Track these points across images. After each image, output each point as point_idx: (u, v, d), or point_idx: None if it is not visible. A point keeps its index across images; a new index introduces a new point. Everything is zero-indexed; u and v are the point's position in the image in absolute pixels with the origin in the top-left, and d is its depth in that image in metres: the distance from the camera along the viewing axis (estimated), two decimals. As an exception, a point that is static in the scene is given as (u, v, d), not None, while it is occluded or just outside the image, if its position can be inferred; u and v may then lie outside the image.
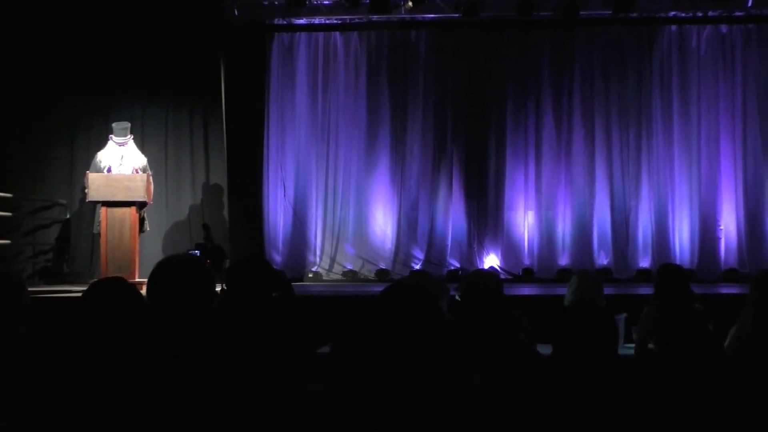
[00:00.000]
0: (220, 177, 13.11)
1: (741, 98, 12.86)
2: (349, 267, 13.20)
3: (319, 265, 13.23)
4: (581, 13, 12.33)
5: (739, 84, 12.88)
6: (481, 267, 12.34)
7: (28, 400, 3.41)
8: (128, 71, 12.86)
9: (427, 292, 2.70)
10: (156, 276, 3.16)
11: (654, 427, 3.61)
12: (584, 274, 5.96)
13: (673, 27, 13.06)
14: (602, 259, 12.90)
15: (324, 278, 13.11)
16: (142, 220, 11.09)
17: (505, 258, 13.01)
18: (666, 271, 5.91)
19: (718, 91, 12.93)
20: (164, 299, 3.11)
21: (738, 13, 12.77)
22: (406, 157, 13.24)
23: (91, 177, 10.72)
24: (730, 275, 12.50)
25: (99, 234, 10.85)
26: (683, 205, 12.89)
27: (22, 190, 12.61)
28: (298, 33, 13.48)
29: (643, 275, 12.30)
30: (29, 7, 12.48)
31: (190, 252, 11.20)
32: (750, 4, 12.43)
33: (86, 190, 10.77)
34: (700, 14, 12.82)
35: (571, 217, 13.00)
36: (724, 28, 12.99)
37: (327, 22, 13.31)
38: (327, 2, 12.75)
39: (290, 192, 13.33)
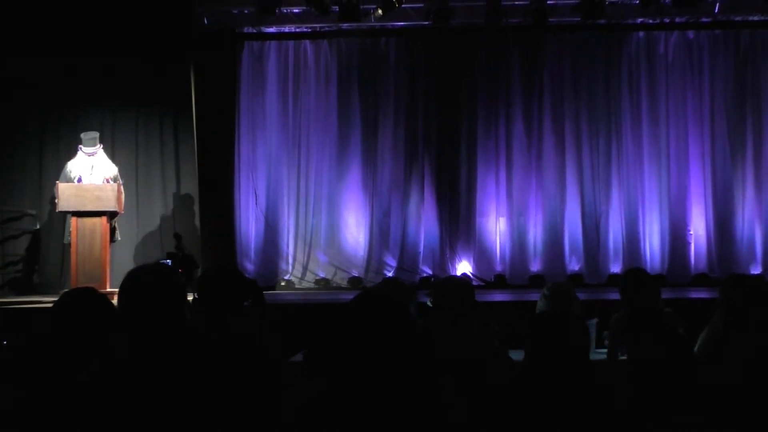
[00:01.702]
0: (191, 186, 13.06)
1: (709, 103, 12.98)
2: (322, 275, 13.19)
3: (291, 274, 13.21)
4: (550, 19, 12.42)
5: (706, 89, 13.01)
6: (453, 273, 12.37)
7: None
8: (97, 80, 12.80)
9: (397, 298, 2.70)
10: (127, 286, 3.15)
11: (626, 432, 3.63)
12: (556, 287, 5.92)
13: (641, 33, 13.17)
14: (574, 265, 12.96)
15: (296, 286, 13.09)
16: (112, 230, 11.04)
17: (477, 264, 13.04)
18: (631, 276, 5.91)
19: (686, 96, 13.05)
20: (136, 309, 3.10)
21: (705, 19, 12.90)
22: (378, 164, 13.26)
23: (61, 187, 10.66)
24: (700, 280, 12.59)
25: (69, 244, 10.79)
26: (653, 209, 12.97)
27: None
28: (268, 41, 13.49)
29: (615, 280, 12.28)
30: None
31: (162, 261, 11.14)
32: (716, 10, 12.55)
33: (56, 200, 10.72)
34: (667, 20, 12.94)
35: (543, 223, 13.05)
36: (691, 34, 13.12)
37: (297, 30, 13.32)
38: (297, 11, 12.74)
39: (262, 200, 13.31)
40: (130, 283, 3.15)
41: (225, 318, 4.07)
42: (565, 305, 5.58)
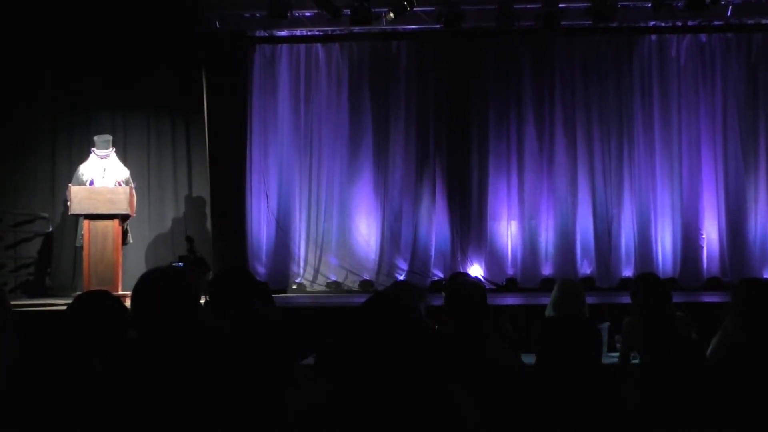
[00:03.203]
0: (203, 189, 13.08)
1: (721, 107, 12.93)
2: (333, 278, 13.19)
3: (302, 277, 13.21)
4: (562, 23, 12.40)
5: (719, 93, 12.96)
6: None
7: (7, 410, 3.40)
8: (109, 83, 12.84)
9: (408, 301, 2.71)
10: (141, 289, 3.16)
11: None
12: (565, 284, 5.95)
13: (653, 36, 13.14)
14: (585, 268, 12.92)
15: (308, 289, 13.09)
16: (124, 233, 11.07)
17: (488, 268, 13.01)
18: (642, 280, 5.91)
19: (698, 99, 13.01)
20: (149, 312, 3.11)
21: (717, 23, 12.85)
22: (389, 167, 13.25)
23: (74, 190, 10.69)
24: (713, 283, 12.55)
25: (82, 247, 10.82)
26: (665, 213, 12.93)
27: (3, 204, 12.57)
28: (279, 45, 13.50)
29: (626, 284, 12.26)
30: (8, 18, 12.42)
31: (174, 264, 11.16)
32: (729, 13, 12.51)
33: (69, 203, 10.75)
34: (679, 23, 12.90)
35: (554, 227, 13.02)
36: (703, 37, 13.07)
37: (308, 33, 13.33)
38: (308, 14, 12.76)
39: (273, 203, 13.31)
40: (144, 286, 3.16)
41: (234, 319, 4.09)
42: (575, 307, 5.59)
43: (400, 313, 2.56)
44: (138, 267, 11.68)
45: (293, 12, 12.50)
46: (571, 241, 12.95)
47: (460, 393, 2.62)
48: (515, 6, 12.25)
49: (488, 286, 12.34)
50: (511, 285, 12.87)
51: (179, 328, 3.10)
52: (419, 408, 2.45)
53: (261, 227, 13.31)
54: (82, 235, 10.80)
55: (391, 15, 12.22)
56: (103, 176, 11.23)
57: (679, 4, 12.06)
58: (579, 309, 5.63)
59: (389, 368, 2.47)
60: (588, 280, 12.58)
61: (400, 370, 2.47)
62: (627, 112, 13.08)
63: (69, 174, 11.76)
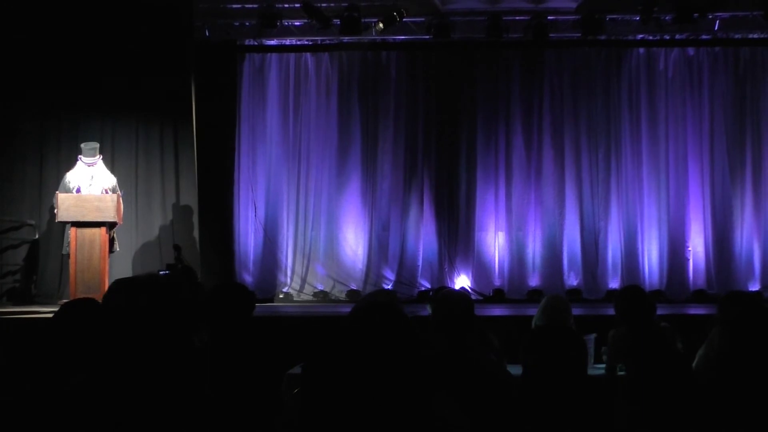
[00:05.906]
0: (190, 197, 13.03)
1: (708, 120, 13.02)
2: (320, 287, 13.17)
3: (290, 286, 13.20)
4: (551, 35, 12.46)
5: (706, 106, 13.05)
6: (451, 286, 12.35)
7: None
8: (98, 90, 12.78)
9: (399, 310, 2.71)
10: (114, 296, 3.14)
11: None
12: (553, 299, 5.96)
13: (641, 49, 13.22)
14: (572, 280, 12.95)
15: (295, 299, 13.08)
16: (111, 241, 11.02)
17: (475, 278, 13.03)
18: (626, 293, 5.93)
19: (685, 112, 13.09)
20: (131, 319, 3.09)
21: (705, 37, 12.95)
22: (377, 177, 13.27)
23: (61, 197, 10.65)
24: (699, 296, 12.60)
25: (68, 255, 10.77)
26: (652, 225, 12.99)
27: (-11, 210, 12.54)
28: (269, 54, 13.52)
29: (613, 296, 12.28)
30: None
31: (161, 272, 11.12)
32: (716, 27, 12.59)
33: (55, 211, 10.70)
34: (667, 37, 12.98)
35: (542, 238, 13.06)
36: (691, 50, 13.17)
37: (298, 43, 13.36)
38: (298, 23, 12.78)
39: (261, 212, 13.31)
40: (116, 291, 3.14)
41: (226, 331, 4.09)
42: (561, 320, 5.61)
43: (391, 322, 2.57)
44: (125, 275, 11.56)
45: (283, 21, 12.54)
46: (558, 253, 12.99)
47: (449, 403, 2.62)
48: (504, 18, 12.32)
49: (475, 297, 12.34)
50: (498, 296, 12.89)
51: (167, 335, 3.09)
52: (408, 417, 2.45)
53: (249, 236, 13.31)
54: (68, 243, 10.76)
55: (381, 25, 12.26)
56: (90, 184, 11.18)
57: (667, 18, 12.14)
58: (566, 320, 5.65)
59: (379, 377, 2.47)
60: (575, 292, 12.63)
61: (389, 379, 2.47)
62: (615, 124, 13.16)
63: (56, 181, 11.71)
